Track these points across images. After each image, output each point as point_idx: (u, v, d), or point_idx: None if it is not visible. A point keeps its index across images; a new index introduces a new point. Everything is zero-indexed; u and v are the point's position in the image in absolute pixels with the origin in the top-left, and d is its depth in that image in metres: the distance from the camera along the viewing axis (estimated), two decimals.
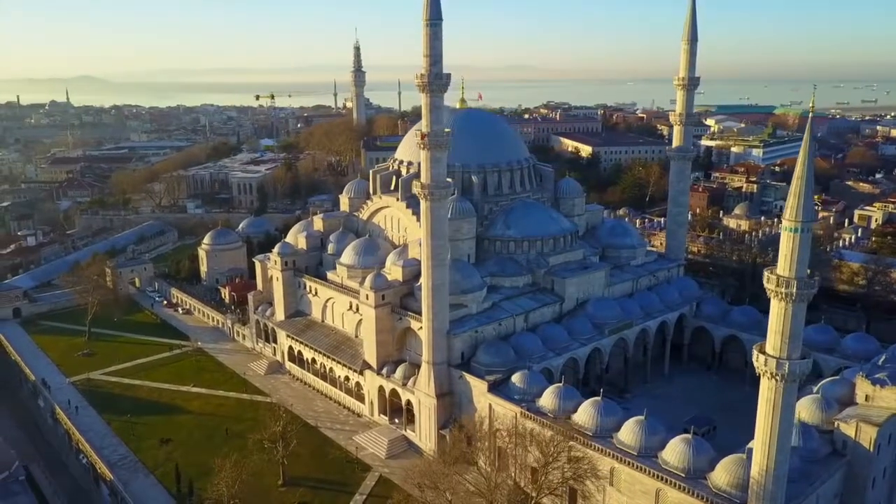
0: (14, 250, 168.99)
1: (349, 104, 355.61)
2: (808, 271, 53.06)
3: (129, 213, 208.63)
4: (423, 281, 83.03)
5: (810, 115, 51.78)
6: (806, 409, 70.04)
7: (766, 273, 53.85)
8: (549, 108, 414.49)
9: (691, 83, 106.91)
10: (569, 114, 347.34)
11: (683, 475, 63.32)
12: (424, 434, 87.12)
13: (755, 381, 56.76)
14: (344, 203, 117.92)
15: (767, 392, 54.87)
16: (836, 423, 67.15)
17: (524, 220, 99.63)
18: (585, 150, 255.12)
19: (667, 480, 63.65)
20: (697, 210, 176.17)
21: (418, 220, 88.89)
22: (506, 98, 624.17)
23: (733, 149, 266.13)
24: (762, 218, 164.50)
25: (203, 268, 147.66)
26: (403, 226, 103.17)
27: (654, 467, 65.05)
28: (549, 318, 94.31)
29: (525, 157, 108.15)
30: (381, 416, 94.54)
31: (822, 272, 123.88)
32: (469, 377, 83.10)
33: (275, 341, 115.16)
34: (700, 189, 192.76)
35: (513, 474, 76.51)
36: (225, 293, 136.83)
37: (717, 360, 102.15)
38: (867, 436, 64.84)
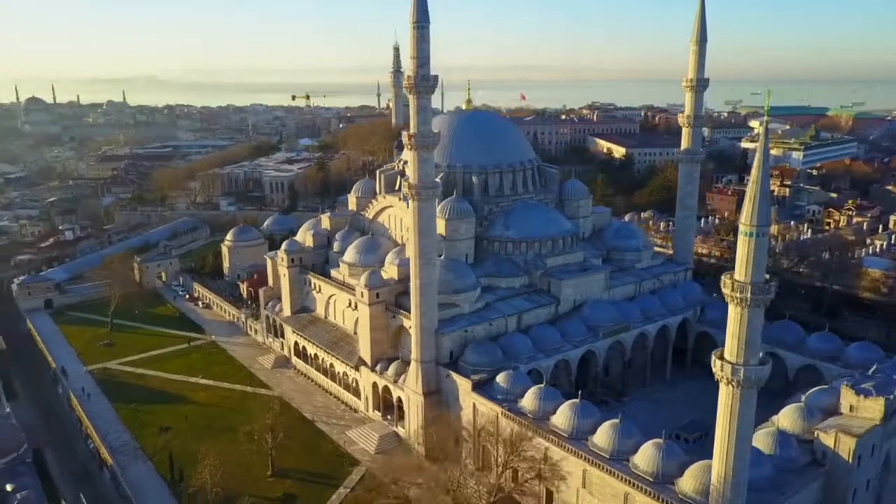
0: (52, 243, 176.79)
1: (391, 104, 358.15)
2: (767, 276, 52.18)
3: (165, 210, 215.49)
4: (412, 279, 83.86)
5: (766, 117, 50.59)
6: (788, 417, 69.00)
7: (723, 277, 53.14)
8: (591, 109, 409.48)
9: (700, 85, 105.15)
10: (607, 115, 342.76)
11: (651, 480, 62.82)
12: (412, 431, 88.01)
13: None
14: (351, 202, 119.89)
15: (725, 398, 54.09)
16: (815, 433, 65.67)
17: (523, 220, 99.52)
18: (619, 151, 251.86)
19: (634, 485, 63.23)
20: (726, 213, 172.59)
21: None
22: (550, 98, 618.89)
23: (772, 151, 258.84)
24: (792, 223, 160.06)
25: (226, 263, 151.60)
26: (405, 225, 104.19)
27: (623, 471, 64.61)
28: (543, 319, 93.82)
29: (529, 158, 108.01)
30: (375, 411, 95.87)
31: (846, 279, 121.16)
32: (455, 376, 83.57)
33: (282, 336, 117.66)
34: (730, 192, 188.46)
35: (494, 472, 76.86)
36: (243, 289, 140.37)
37: None
38: (846, 446, 63.21)
